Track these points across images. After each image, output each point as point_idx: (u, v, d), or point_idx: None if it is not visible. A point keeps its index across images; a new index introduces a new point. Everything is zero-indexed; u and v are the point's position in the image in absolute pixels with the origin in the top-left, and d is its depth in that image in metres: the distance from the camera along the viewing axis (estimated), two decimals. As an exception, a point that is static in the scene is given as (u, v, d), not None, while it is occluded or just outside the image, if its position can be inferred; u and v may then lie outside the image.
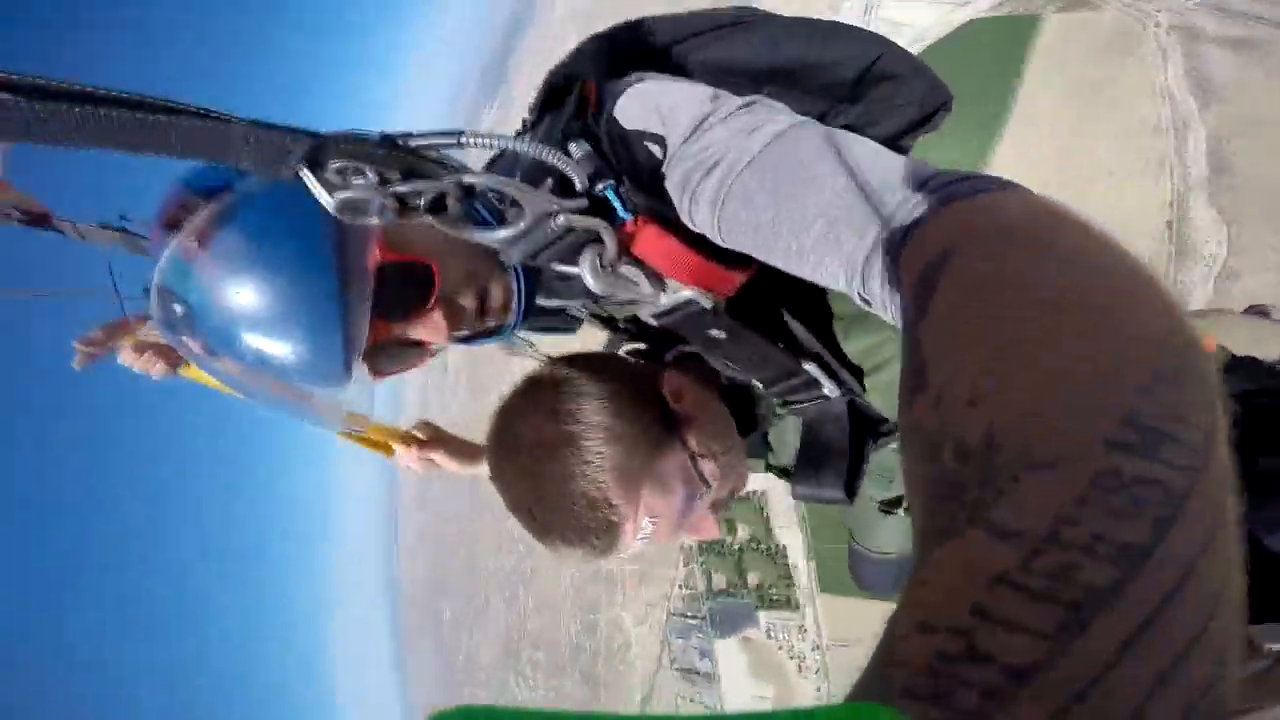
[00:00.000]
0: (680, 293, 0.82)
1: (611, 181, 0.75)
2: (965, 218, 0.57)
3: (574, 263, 0.76)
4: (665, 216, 0.78)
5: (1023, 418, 0.36)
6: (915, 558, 0.37)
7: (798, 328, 0.95)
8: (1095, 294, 0.42)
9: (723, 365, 1.02)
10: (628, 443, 0.96)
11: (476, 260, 0.87)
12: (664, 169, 0.77)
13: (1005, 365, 0.39)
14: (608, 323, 1.20)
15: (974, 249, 0.51)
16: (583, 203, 0.74)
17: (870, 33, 0.96)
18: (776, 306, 0.95)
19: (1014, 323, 0.42)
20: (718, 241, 0.77)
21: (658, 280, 0.80)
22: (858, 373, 1.01)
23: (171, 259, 0.76)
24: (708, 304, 0.83)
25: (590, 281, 0.76)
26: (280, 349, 0.77)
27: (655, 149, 0.77)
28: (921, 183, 0.63)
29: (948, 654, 0.28)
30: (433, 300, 0.87)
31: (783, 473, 1.30)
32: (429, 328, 0.88)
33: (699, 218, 0.75)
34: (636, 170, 0.78)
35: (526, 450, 0.98)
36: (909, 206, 0.62)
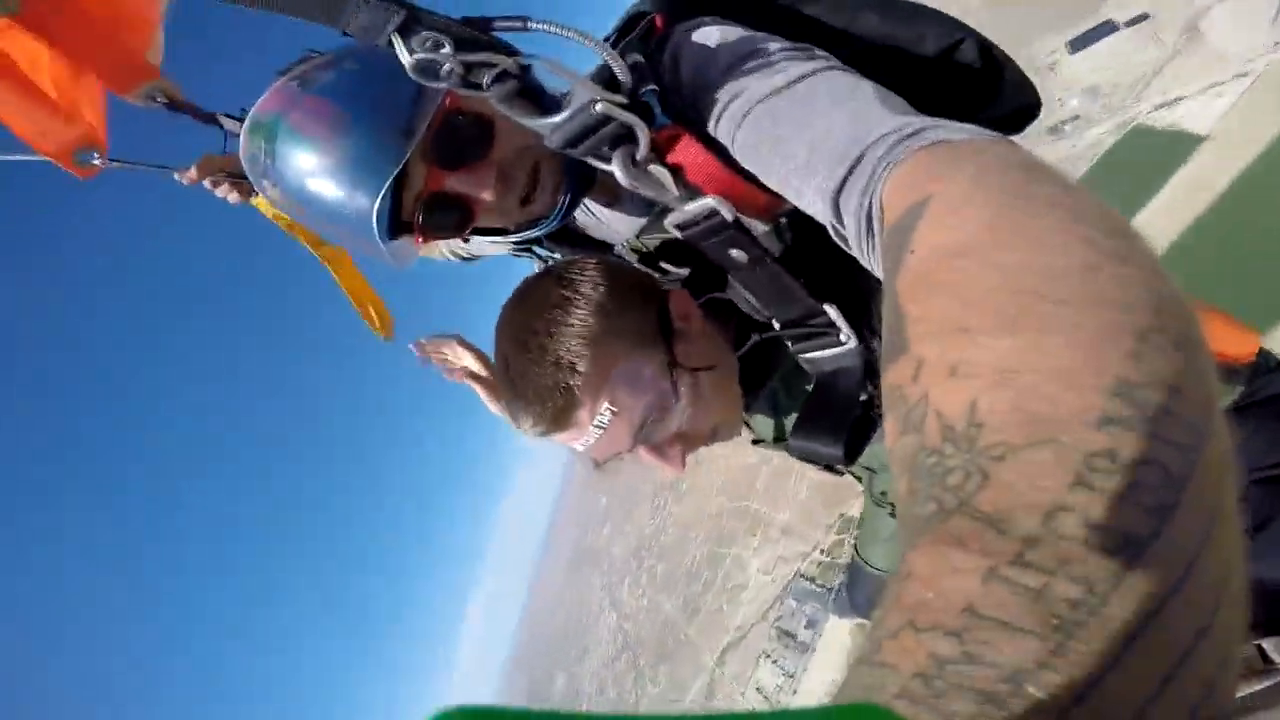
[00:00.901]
0: (704, 200, 0.83)
1: (654, 88, 0.79)
2: (944, 162, 0.53)
3: (608, 159, 0.79)
4: (701, 131, 0.82)
5: (1006, 390, 0.33)
6: (899, 542, 0.34)
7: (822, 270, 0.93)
8: (1076, 248, 0.39)
9: (743, 296, 1.01)
10: (614, 322, 0.96)
11: (534, 142, 0.87)
12: (707, 90, 0.80)
13: (985, 327, 0.36)
14: (646, 259, 1.17)
15: (952, 196, 0.47)
16: (623, 100, 0.78)
17: (955, 19, 0.94)
18: (808, 248, 0.93)
19: (993, 279, 0.39)
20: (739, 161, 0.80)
21: (685, 186, 0.83)
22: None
23: (265, 99, 0.90)
24: (728, 214, 0.83)
25: (620, 174, 0.79)
26: (327, 176, 0.86)
27: (703, 71, 0.80)
28: (904, 124, 0.61)
29: (941, 656, 0.26)
30: (490, 153, 0.91)
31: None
32: (480, 181, 0.91)
33: (724, 136, 0.79)
34: (680, 87, 0.83)
35: (525, 304, 1.00)
36: (888, 145, 0.59)
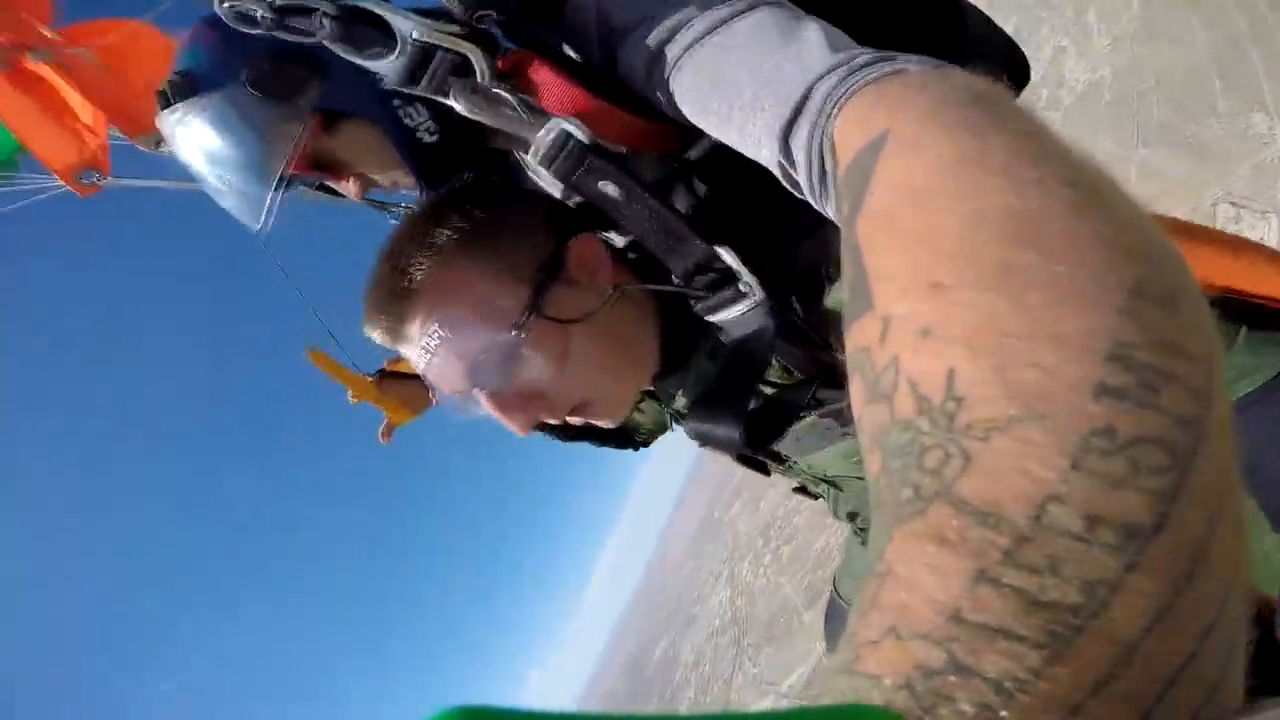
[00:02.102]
0: (554, 122, 0.75)
1: (492, 13, 0.78)
2: (899, 95, 0.48)
3: (448, 92, 0.79)
4: (561, 56, 0.80)
5: (988, 355, 0.29)
6: (873, 531, 0.31)
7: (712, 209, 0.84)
8: (1054, 189, 0.34)
9: (632, 240, 0.89)
10: (478, 245, 0.86)
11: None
12: (629, 29, 0.74)
13: (959, 281, 0.32)
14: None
15: (910, 132, 0.42)
16: (455, 29, 0.77)
17: None
18: (718, 193, 0.84)
19: (964, 225, 0.34)
20: (657, 103, 0.75)
21: (534, 111, 0.78)
22: (811, 292, 0.84)
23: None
24: (582, 135, 0.74)
25: (460, 105, 0.78)
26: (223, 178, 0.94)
27: (622, 6, 0.75)
28: (855, 55, 0.56)
29: (928, 667, 0.24)
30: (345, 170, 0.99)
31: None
32: (344, 187, 1.01)
33: (655, 79, 0.73)
34: (584, 25, 0.78)
35: (416, 216, 0.92)
36: (838, 77, 0.54)
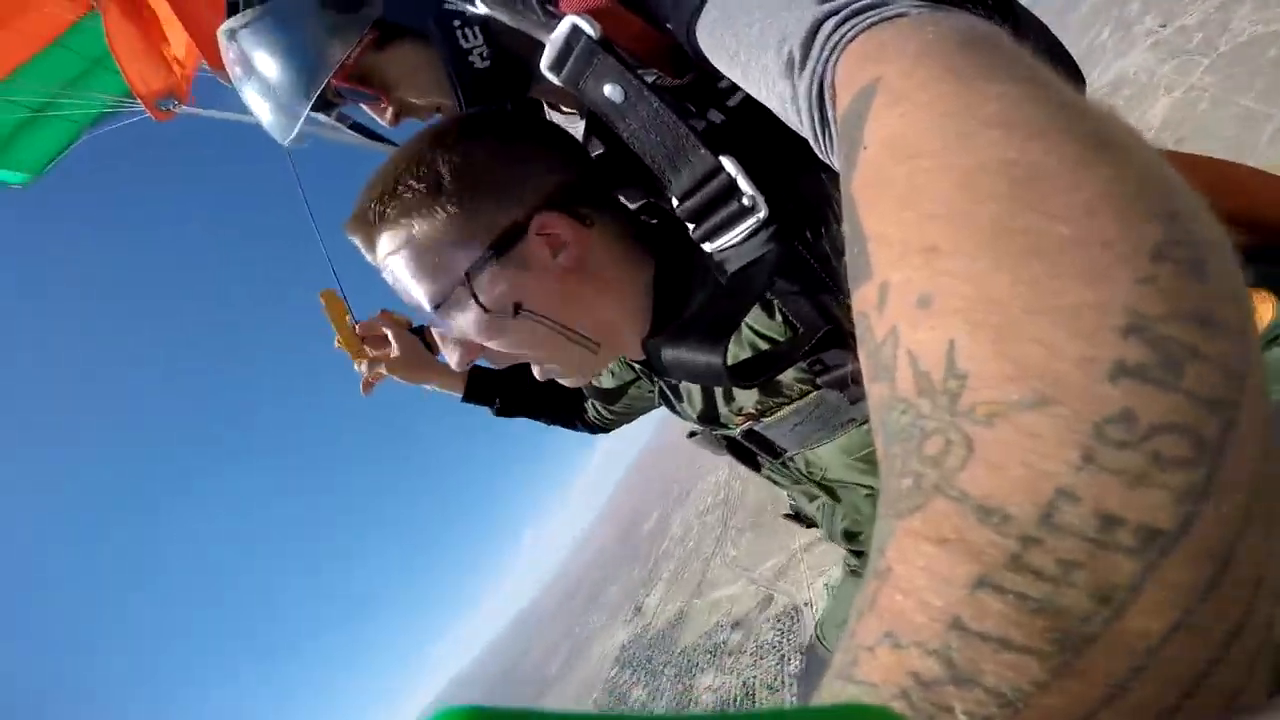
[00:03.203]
0: (566, 19, 0.73)
1: None
2: (893, 38, 0.44)
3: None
4: None
5: (990, 330, 0.26)
6: (876, 522, 0.29)
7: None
8: (1059, 141, 0.30)
9: (631, 148, 0.79)
10: (459, 189, 0.83)
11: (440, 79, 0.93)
12: None
13: (956, 247, 0.29)
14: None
15: (899, 80, 0.38)
16: None
17: None
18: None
19: (958, 183, 0.31)
20: (677, 33, 0.71)
21: (548, 11, 0.77)
22: (816, 228, 0.77)
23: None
24: (592, 31, 0.72)
25: (479, 1, 0.81)
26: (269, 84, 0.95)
27: None
28: None
29: (924, 677, 0.23)
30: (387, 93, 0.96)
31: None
32: (379, 113, 0.97)
33: (680, 14, 0.70)
34: None
35: (424, 133, 0.91)
36: (841, 17, 0.50)
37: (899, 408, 0.28)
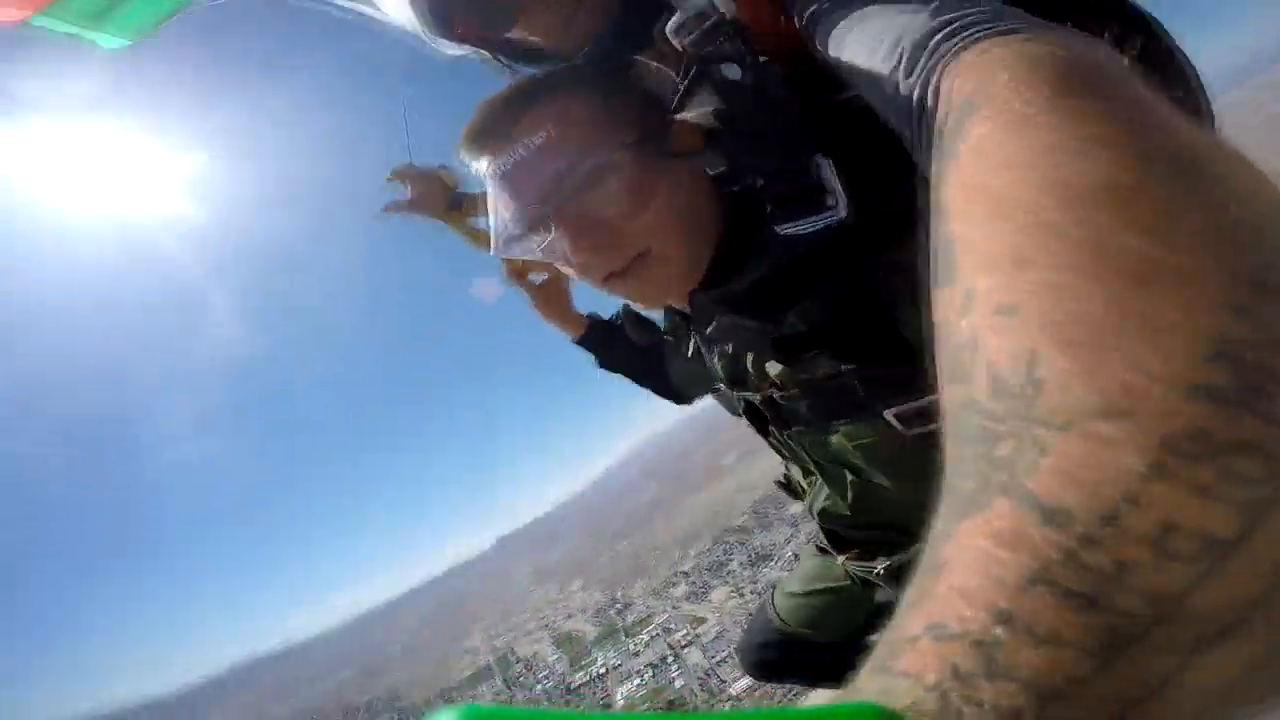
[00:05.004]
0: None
1: None
2: (1010, 54, 0.45)
3: None
4: None
5: (1075, 343, 0.27)
6: (936, 521, 0.29)
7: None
8: (1165, 164, 0.31)
9: (733, 134, 0.88)
10: (607, 86, 0.92)
11: None
12: None
13: (1049, 260, 0.29)
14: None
15: (1009, 93, 0.39)
16: None
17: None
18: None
19: (1059, 199, 0.31)
20: (803, 28, 0.76)
21: None
22: (897, 231, 0.78)
23: None
24: (727, 9, 0.78)
25: None
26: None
27: None
28: (989, 11, 0.54)
29: (962, 670, 0.23)
30: None
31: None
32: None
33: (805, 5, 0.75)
34: None
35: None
36: (958, 25, 0.53)
37: (972, 411, 0.29)
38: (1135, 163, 0.31)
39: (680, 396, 1.50)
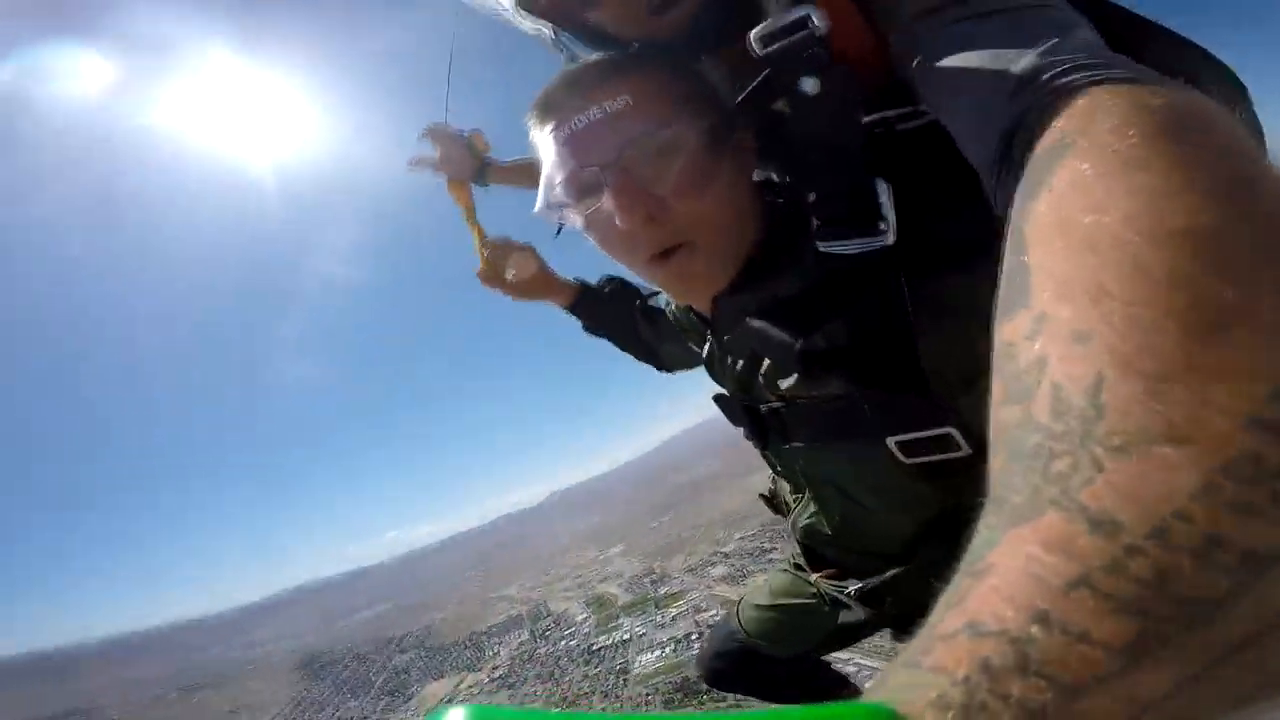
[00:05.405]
0: (804, 8, 0.76)
1: None
2: (1112, 99, 0.46)
3: None
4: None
5: (1143, 373, 0.29)
6: (979, 530, 0.30)
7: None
8: (1254, 218, 0.32)
9: (792, 146, 0.88)
10: (690, 76, 0.93)
11: None
12: None
13: (1129, 295, 0.31)
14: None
15: (1108, 137, 0.40)
16: None
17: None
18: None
19: (1146, 240, 0.33)
20: (897, 46, 0.75)
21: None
22: (944, 264, 0.81)
23: None
24: (821, 25, 0.76)
25: None
26: None
27: None
28: (1092, 54, 0.55)
29: (992, 665, 0.24)
30: None
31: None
32: None
33: (905, 23, 0.74)
34: None
35: None
36: (1061, 67, 0.53)
37: (1031, 429, 0.30)
38: (1225, 210, 0.32)
39: (662, 364, 1.57)
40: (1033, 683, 0.23)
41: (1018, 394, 0.32)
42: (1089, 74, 0.50)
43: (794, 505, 1.22)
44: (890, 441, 0.88)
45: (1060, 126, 0.45)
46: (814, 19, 0.76)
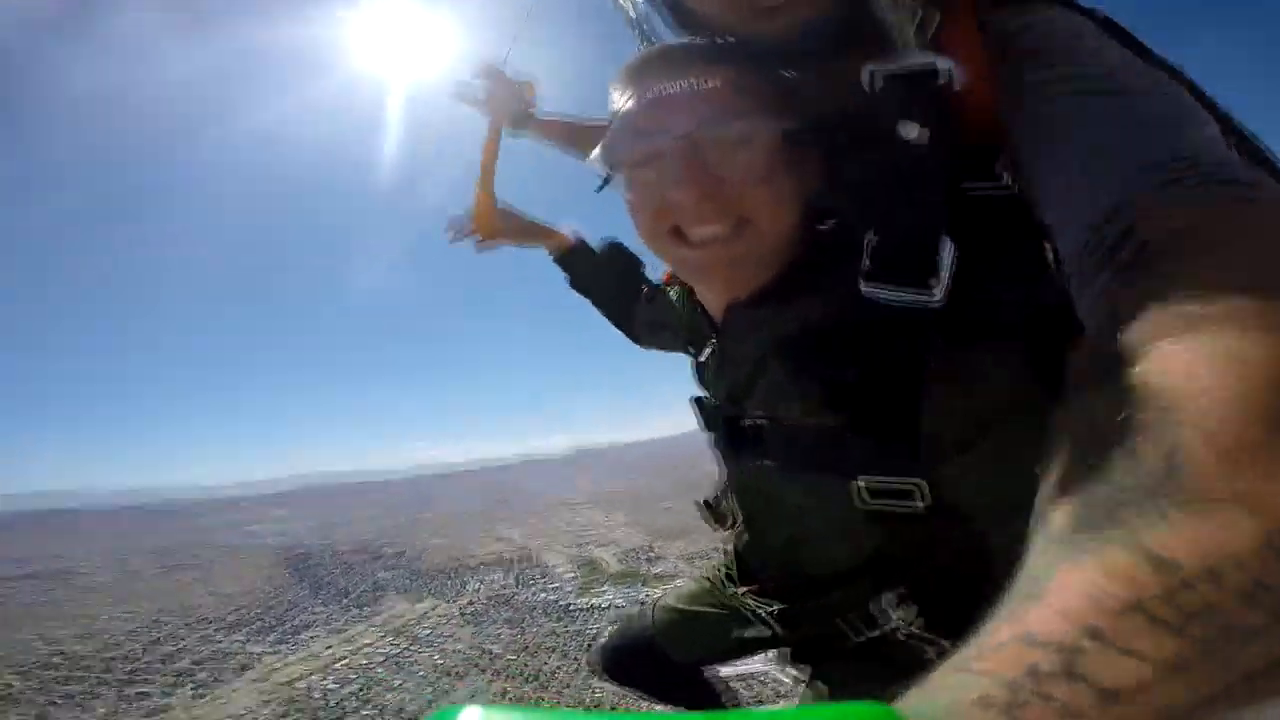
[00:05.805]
0: (936, 57, 0.78)
1: None
2: (1235, 210, 0.52)
3: None
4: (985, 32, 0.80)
5: (1223, 450, 0.33)
6: (1033, 558, 0.35)
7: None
8: None
9: (866, 183, 0.88)
10: (780, 82, 0.95)
11: None
12: (1060, 53, 0.74)
13: (1227, 385, 0.35)
14: None
15: (1242, 258, 0.45)
16: None
17: None
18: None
19: (1238, 327, 0.38)
20: (1008, 107, 0.76)
21: (936, 41, 0.81)
22: (986, 333, 0.82)
23: None
24: (945, 71, 0.77)
25: None
26: None
27: (1066, 38, 0.76)
28: (1224, 160, 0.58)
29: (1040, 670, 0.27)
30: None
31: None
32: None
33: (1025, 85, 0.74)
34: (1007, 32, 0.79)
35: None
36: (1196, 172, 0.55)
37: (1102, 482, 0.34)
38: None
39: (636, 337, 1.60)
40: (1076, 687, 0.25)
41: (1097, 444, 0.36)
42: (1226, 191, 0.53)
43: (739, 519, 1.23)
44: (859, 481, 0.90)
45: (1187, 236, 0.48)
46: (945, 72, 0.76)
